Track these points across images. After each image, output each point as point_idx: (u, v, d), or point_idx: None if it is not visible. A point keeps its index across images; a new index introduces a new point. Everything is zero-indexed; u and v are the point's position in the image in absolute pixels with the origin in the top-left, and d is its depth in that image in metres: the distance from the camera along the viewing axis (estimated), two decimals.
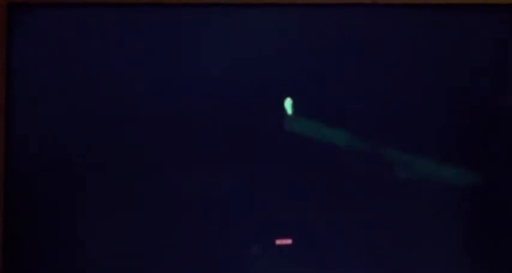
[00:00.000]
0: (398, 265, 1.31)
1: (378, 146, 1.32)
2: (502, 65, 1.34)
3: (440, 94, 1.34)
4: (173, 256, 1.30)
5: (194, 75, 1.33)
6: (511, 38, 1.35)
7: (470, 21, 1.35)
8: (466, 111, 1.33)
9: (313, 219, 1.31)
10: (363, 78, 1.33)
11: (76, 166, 1.31)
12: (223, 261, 1.30)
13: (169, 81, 1.33)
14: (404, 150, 1.32)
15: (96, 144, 1.32)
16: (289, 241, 1.31)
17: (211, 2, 1.34)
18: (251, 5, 1.34)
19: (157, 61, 1.33)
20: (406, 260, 1.31)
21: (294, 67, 1.33)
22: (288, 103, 1.27)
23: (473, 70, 1.34)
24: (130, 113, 1.32)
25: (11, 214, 1.31)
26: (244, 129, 1.33)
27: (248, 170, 1.32)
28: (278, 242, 1.31)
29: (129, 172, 1.31)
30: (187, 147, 1.32)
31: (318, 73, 1.34)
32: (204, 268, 1.30)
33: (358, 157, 1.32)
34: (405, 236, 1.31)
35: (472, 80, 1.34)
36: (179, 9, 1.34)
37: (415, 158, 1.32)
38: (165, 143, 1.32)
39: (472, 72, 1.34)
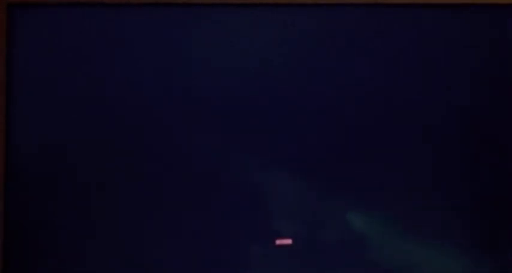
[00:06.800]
0: (399, 265, 1.31)
1: (380, 142, 1.33)
2: (502, 65, 1.34)
3: (440, 94, 1.34)
4: (173, 256, 1.30)
5: (194, 75, 1.33)
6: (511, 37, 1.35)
7: (471, 21, 1.35)
8: (466, 111, 1.33)
9: (313, 219, 1.31)
10: (363, 77, 1.34)
11: (76, 166, 1.31)
12: (223, 261, 1.30)
13: (168, 81, 1.33)
14: (401, 152, 1.32)
15: (97, 143, 1.32)
16: (289, 241, 1.31)
17: (212, 2, 1.34)
18: (251, 5, 1.34)
19: (157, 61, 1.33)
20: (406, 260, 1.31)
21: (294, 67, 1.33)
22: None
23: (473, 70, 1.34)
24: (131, 112, 1.32)
25: (11, 214, 1.31)
26: (243, 128, 1.33)
27: (248, 169, 1.32)
28: (278, 242, 1.31)
29: (130, 172, 1.31)
30: (187, 147, 1.32)
31: (318, 72, 1.34)
32: (204, 268, 1.30)
33: (360, 154, 1.32)
34: (406, 235, 1.31)
35: (472, 80, 1.34)
36: (179, 9, 1.34)
37: (416, 156, 1.32)
38: (165, 143, 1.32)
39: (472, 73, 1.34)
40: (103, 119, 1.32)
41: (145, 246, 1.30)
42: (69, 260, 1.30)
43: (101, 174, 1.31)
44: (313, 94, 1.33)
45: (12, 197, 1.31)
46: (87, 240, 1.30)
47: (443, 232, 1.31)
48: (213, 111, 1.33)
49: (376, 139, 1.33)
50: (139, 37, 1.34)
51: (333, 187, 1.32)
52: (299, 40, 1.34)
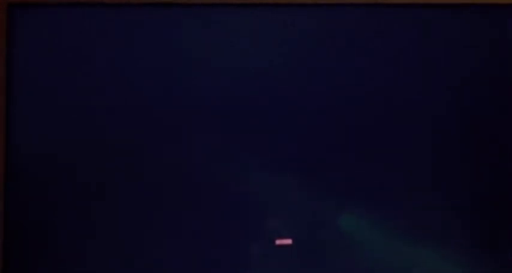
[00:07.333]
0: (398, 265, 1.31)
1: (380, 142, 1.33)
2: (502, 65, 1.34)
3: (440, 94, 1.34)
4: (173, 256, 1.30)
5: (194, 75, 1.33)
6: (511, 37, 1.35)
7: (471, 21, 1.35)
8: (465, 111, 1.34)
9: (313, 219, 1.31)
10: (363, 77, 1.34)
11: (76, 166, 1.31)
12: (223, 261, 1.30)
13: (168, 81, 1.33)
14: (401, 152, 1.33)
15: (96, 143, 1.32)
16: (289, 241, 1.31)
17: (212, 2, 1.34)
18: (251, 5, 1.34)
19: (157, 61, 1.33)
20: (405, 260, 1.31)
21: (294, 67, 1.33)
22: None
23: (473, 70, 1.34)
24: (131, 112, 1.32)
25: (11, 214, 1.31)
26: (243, 128, 1.33)
27: (248, 169, 1.32)
28: (278, 242, 1.31)
29: (130, 172, 1.31)
30: (187, 147, 1.32)
31: (318, 72, 1.34)
32: (204, 268, 1.30)
33: (360, 154, 1.32)
34: (406, 236, 1.31)
35: (472, 80, 1.34)
36: (179, 9, 1.34)
37: (415, 154, 1.32)
38: (165, 143, 1.32)
39: (472, 73, 1.34)
40: (103, 119, 1.32)
41: (145, 246, 1.30)
42: (69, 260, 1.30)
43: (101, 174, 1.31)
44: (313, 94, 1.33)
45: (12, 197, 1.31)
46: (87, 240, 1.30)
47: (443, 232, 1.31)
48: (213, 111, 1.33)
49: (376, 139, 1.33)
50: (139, 37, 1.34)
51: (333, 187, 1.32)
52: (299, 40, 1.34)
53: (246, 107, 1.33)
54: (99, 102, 1.32)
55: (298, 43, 1.34)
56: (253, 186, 1.31)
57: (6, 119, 1.32)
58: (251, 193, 1.31)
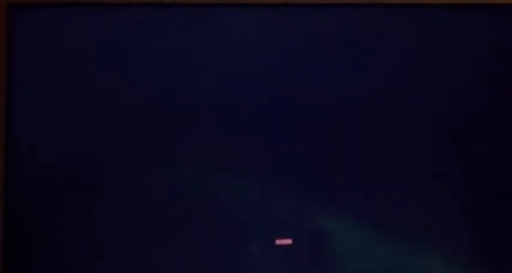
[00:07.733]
0: (397, 266, 1.31)
1: (381, 143, 1.33)
2: (502, 65, 1.34)
3: (440, 94, 1.34)
4: (173, 256, 1.30)
5: (194, 75, 1.33)
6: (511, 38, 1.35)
7: (471, 21, 1.35)
8: (465, 111, 1.34)
9: (313, 219, 1.31)
10: (363, 77, 1.34)
11: (76, 166, 1.31)
12: (223, 261, 1.30)
13: (168, 81, 1.33)
14: (401, 152, 1.33)
15: (97, 143, 1.32)
16: (289, 241, 1.31)
17: (212, 2, 1.34)
18: (251, 5, 1.34)
19: (157, 61, 1.33)
20: (405, 260, 1.31)
21: (294, 67, 1.34)
22: None
23: (473, 70, 1.34)
24: (131, 112, 1.32)
25: (11, 214, 1.31)
26: (243, 128, 1.33)
27: (248, 169, 1.32)
28: (278, 242, 1.31)
29: (130, 172, 1.31)
30: (187, 147, 1.32)
31: (318, 72, 1.34)
32: (204, 268, 1.30)
33: (361, 155, 1.32)
34: (405, 235, 1.31)
35: (472, 80, 1.34)
36: (179, 9, 1.34)
37: (415, 154, 1.32)
38: (165, 143, 1.32)
39: (472, 73, 1.34)
40: (103, 119, 1.32)
41: (145, 246, 1.30)
42: (69, 260, 1.30)
43: (101, 174, 1.31)
44: (313, 94, 1.33)
45: (12, 197, 1.31)
46: (87, 240, 1.30)
47: (442, 232, 1.31)
48: (213, 111, 1.33)
49: (376, 140, 1.33)
50: (139, 37, 1.34)
51: (333, 187, 1.32)
52: (299, 40, 1.34)
53: (246, 107, 1.33)
54: (99, 102, 1.32)
55: (298, 43, 1.34)
56: (253, 186, 1.31)
57: (6, 119, 1.32)
58: (251, 192, 1.31)
